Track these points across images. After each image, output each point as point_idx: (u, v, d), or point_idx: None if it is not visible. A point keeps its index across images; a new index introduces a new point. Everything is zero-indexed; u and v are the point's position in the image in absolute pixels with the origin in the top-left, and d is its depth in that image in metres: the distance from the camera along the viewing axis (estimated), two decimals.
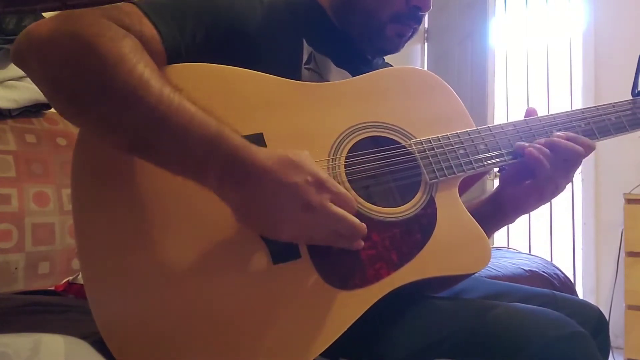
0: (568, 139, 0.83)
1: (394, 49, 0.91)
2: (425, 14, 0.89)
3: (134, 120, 0.61)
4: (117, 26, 0.64)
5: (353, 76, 0.87)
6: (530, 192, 0.85)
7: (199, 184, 0.64)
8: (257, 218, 0.65)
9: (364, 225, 0.68)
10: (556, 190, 0.85)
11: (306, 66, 0.83)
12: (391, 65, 1.02)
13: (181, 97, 0.62)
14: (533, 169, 0.83)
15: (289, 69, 0.80)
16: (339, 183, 0.70)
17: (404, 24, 0.88)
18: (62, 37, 0.61)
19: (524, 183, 0.86)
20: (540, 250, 2.99)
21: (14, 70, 1.37)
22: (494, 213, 0.90)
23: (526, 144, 0.83)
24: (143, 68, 0.61)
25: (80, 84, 0.61)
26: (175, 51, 0.71)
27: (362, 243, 0.70)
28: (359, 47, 0.91)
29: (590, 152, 0.85)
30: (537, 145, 0.82)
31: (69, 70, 0.61)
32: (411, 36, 0.91)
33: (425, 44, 3.64)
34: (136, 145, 0.63)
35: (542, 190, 0.84)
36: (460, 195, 0.82)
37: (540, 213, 3.03)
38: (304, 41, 0.84)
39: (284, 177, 0.63)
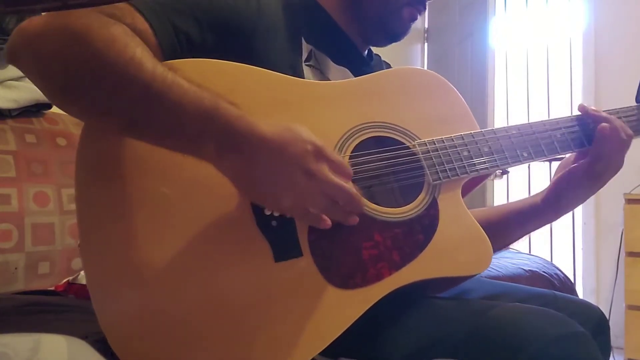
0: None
1: (403, 33, 0.92)
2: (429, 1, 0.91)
3: (128, 99, 0.61)
4: (107, 17, 0.64)
5: (353, 73, 0.87)
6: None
7: (197, 157, 0.64)
8: (258, 187, 0.65)
9: (360, 196, 0.68)
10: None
11: (307, 63, 0.83)
12: (390, 65, 1.02)
13: (174, 75, 0.62)
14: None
15: (286, 67, 0.79)
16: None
17: (415, 7, 0.89)
18: (51, 31, 0.61)
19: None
20: (540, 250, 2.98)
21: (14, 70, 1.36)
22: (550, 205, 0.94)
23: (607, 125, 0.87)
24: (134, 48, 0.61)
25: (72, 71, 0.61)
26: (170, 47, 0.71)
27: (357, 219, 0.70)
28: (364, 36, 0.91)
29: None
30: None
31: (60, 62, 0.61)
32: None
33: (425, 44, 3.64)
34: (133, 125, 0.63)
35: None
36: (462, 197, 0.82)
37: None
38: (303, 39, 0.83)
39: (285, 145, 0.63)
